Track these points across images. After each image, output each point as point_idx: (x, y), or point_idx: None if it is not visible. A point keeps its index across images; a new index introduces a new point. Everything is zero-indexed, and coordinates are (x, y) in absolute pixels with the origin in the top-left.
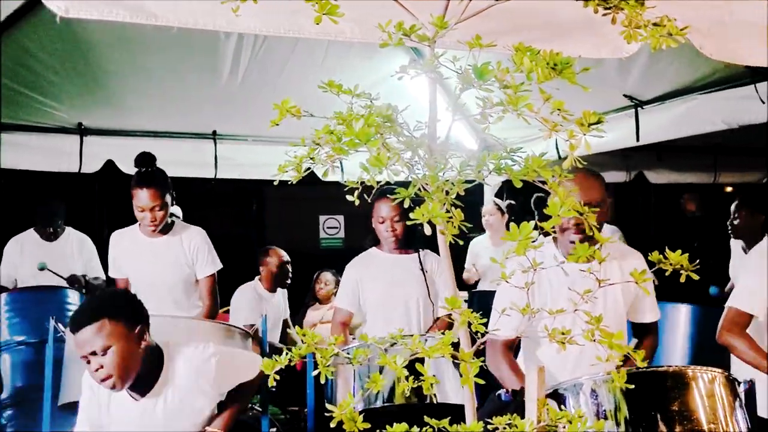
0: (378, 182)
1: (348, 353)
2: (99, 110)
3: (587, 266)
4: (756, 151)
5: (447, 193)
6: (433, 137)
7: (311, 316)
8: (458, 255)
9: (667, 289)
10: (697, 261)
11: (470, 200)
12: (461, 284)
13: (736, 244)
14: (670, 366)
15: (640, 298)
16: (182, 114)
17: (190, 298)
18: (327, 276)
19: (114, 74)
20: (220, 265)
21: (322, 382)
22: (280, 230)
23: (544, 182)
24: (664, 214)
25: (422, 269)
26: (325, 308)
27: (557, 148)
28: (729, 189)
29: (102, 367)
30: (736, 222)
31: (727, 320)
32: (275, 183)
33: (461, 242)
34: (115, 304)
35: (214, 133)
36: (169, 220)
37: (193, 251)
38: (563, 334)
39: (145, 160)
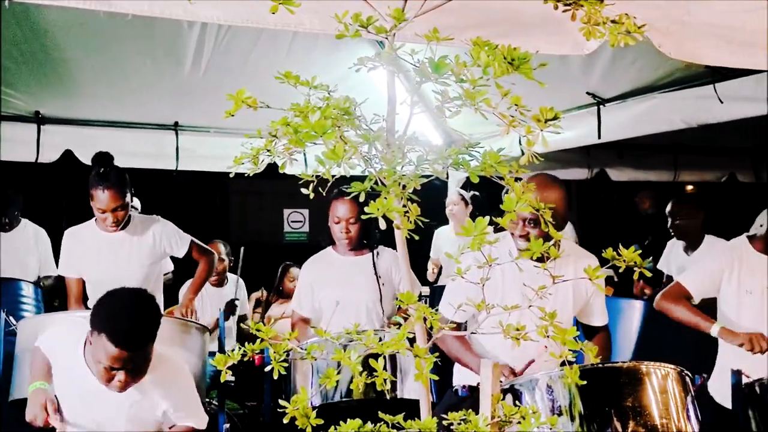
0: (333, 176)
1: (303, 348)
2: (57, 99)
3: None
4: (715, 150)
5: (404, 187)
6: (391, 131)
7: (274, 310)
8: (424, 245)
9: (623, 286)
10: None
11: (436, 191)
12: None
13: (674, 244)
14: (625, 362)
15: (591, 302)
16: (143, 104)
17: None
18: (295, 271)
19: (73, 62)
20: (189, 237)
21: (275, 377)
22: (244, 223)
23: (501, 178)
24: (624, 211)
25: (375, 272)
26: (288, 303)
27: (521, 145)
28: (690, 188)
29: (126, 379)
30: (677, 222)
31: (668, 289)
32: (231, 175)
33: (416, 237)
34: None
35: (176, 124)
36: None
37: (159, 240)
38: (517, 330)
39: (103, 159)
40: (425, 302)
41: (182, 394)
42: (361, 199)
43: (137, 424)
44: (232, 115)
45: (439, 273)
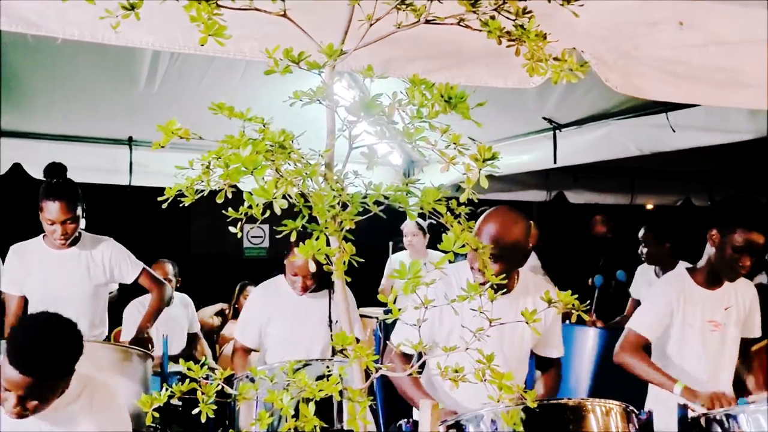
0: (263, 214)
1: (236, 389)
2: (7, 112)
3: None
4: (671, 174)
5: (341, 224)
6: (330, 165)
7: (229, 329)
8: (380, 265)
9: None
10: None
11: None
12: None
13: (644, 268)
14: (570, 398)
15: (548, 333)
16: (97, 119)
17: (96, 315)
18: (252, 290)
19: (24, 76)
20: (141, 264)
21: (203, 420)
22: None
23: (440, 215)
24: (582, 233)
25: (330, 316)
26: None
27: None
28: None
29: (30, 409)
30: (645, 249)
31: (624, 341)
32: (164, 207)
33: (356, 263)
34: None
35: (130, 139)
36: (77, 232)
37: (108, 263)
38: (456, 371)
39: (55, 170)
40: (380, 326)
41: (113, 421)
42: (293, 238)
43: None
44: (162, 147)
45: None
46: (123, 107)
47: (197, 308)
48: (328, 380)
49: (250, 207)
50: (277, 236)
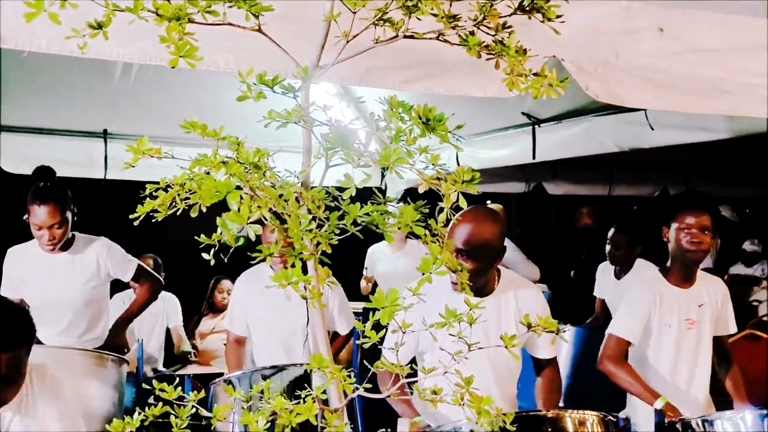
0: (238, 239)
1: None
2: None
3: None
4: (649, 165)
5: (318, 245)
6: (306, 185)
7: (205, 325)
8: (359, 258)
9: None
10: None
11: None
12: (358, 294)
13: (604, 268)
14: (549, 410)
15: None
16: (71, 111)
17: (94, 318)
18: (227, 284)
19: None
20: (136, 261)
21: None
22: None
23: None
24: (562, 224)
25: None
26: (219, 318)
27: (457, 160)
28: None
29: None
30: (615, 252)
31: (607, 348)
32: (135, 224)
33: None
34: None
35: (105, 132)
36: (70, 235)
37: (104, 263)
38: (435, 393)
39: (43, 173)
40: (360, 319)
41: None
42: (268, 263)
43: None
44: (133, 166)
45: (374, 288)
46: (98, 100)
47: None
48: (304, 402)
49: (223, 234)
50: (252, 261)
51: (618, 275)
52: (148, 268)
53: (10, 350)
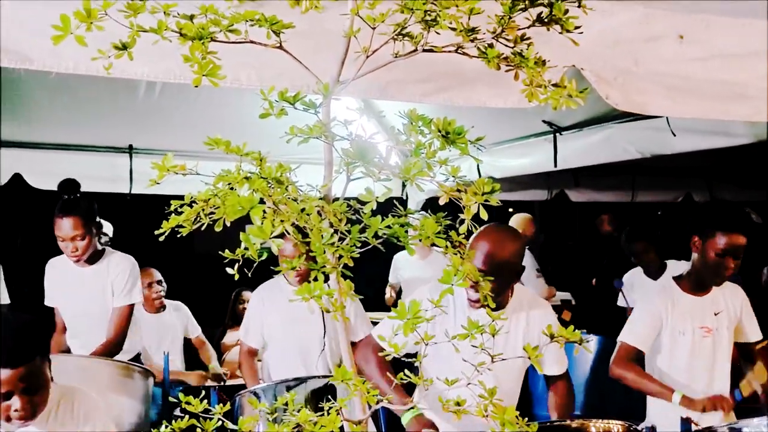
0: (261, 252)
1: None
2: (7, 122)
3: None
4: (672, 170)
5: (340, 258)
6: (327, 198)
7: (229, 337)
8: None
9: (581, 316)
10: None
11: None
12: (382, 304)
13: (633, 274)
14: (573, 420)
15: (545, 351)
16: (97, 127)
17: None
18: (248, 295)
19: (25, 85)
20: (137, 299)
21: None
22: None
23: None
24: (584, 231)
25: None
26: None
27: (479, 170)
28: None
29: (24, 405)
30: (633, 259)
31: (617, 355)
32: (161, 239)
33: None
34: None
35: (131, 147)
36: (100, 248)
37: (113, 279)
38: (458, 404)
39: (68, 186)
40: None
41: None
42: (290, 278)
43: None
44: (158, 183)
45: (398, 296)
46: (123, 115)
47: (202, 312)
48: (328, 414)
49: (246, 249)
50: (275, 274)
51: (654, 278)
52: (123, 322)
53: (25, 363)
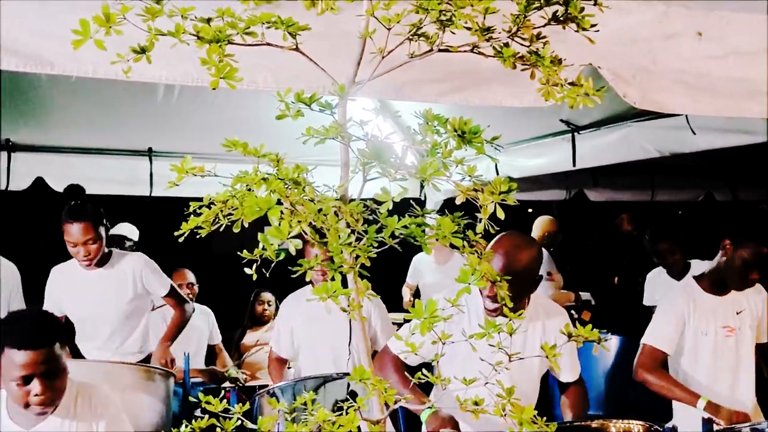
0: (279, 253)
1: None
2: (28, 126)
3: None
4: (692, 169)
5: (357, 258)
6: (344, 198)
7: (248, 338)
8: (400, 271)
9: (602, 317)
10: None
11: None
12: (399, 304)
13: (656, 274)
14: (593, 420)
15: (557, 358)
16: (116, 130)
17: (129, 334)
18: (267, 296)
19: (43, 89)
20: (170, 282)
21: None
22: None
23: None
24: (603, 231)
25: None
26: (263, 330)
27: (496, 170)
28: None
29: (43, 390)
30: (656, 260)
31: (641, 357)
32: (180, 241)
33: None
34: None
35: (150, 150)
36: (106, 251)
37: (139, 277)
38: (476, 404)
39: (74, 192)
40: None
41: (113, 420)
42: (308, 279)
43: None
44: (177, 185)
45: (415, 297)
46: (142, 118)
47: (220, 313)
48: (347, 413)
49: (264, 249)
50: (292, 275)
51: (675, 278)
52: (180, 292)
53: (46, 346)
